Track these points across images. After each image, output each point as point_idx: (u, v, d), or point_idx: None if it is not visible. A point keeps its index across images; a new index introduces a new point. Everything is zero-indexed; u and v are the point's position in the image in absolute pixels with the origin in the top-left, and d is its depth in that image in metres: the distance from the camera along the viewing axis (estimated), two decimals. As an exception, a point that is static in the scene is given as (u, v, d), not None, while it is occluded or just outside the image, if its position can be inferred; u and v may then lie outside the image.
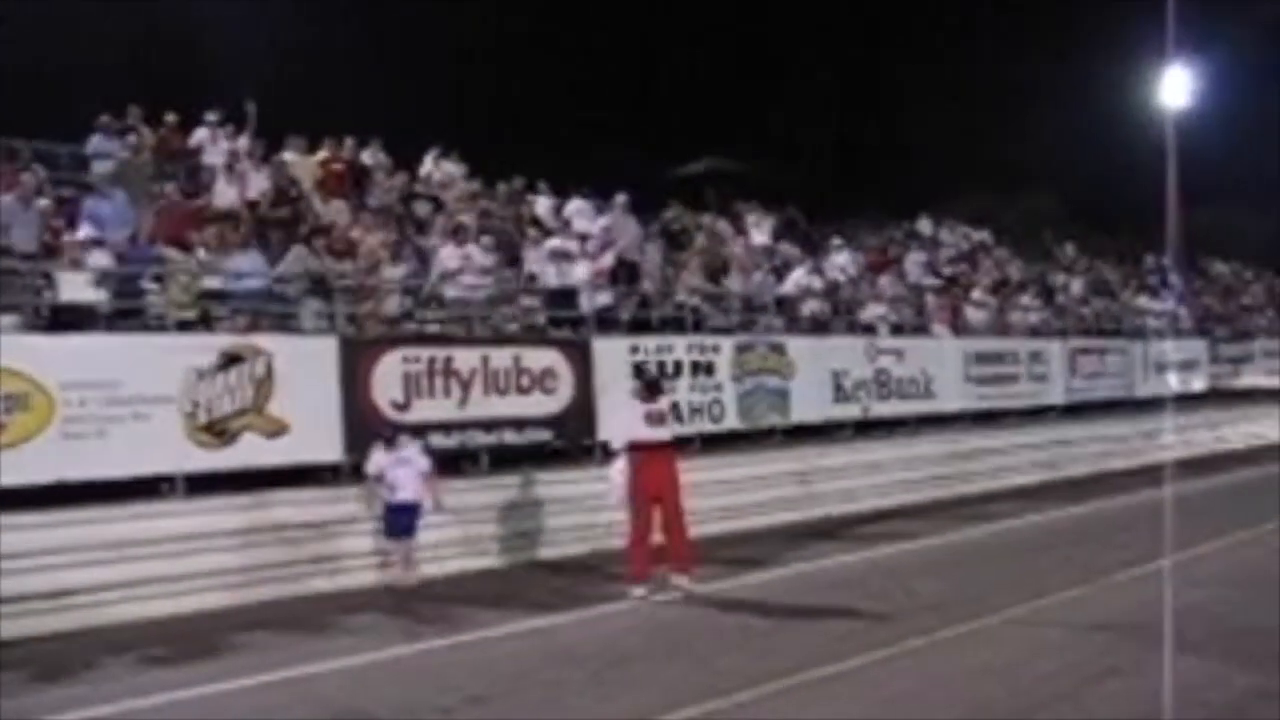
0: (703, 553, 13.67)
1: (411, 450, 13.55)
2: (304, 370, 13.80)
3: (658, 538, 12.75)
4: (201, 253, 15.05)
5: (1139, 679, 8.48)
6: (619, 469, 13.19)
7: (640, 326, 18.22)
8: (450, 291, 16.51)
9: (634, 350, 17.20)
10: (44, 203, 14.94)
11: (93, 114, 17.83)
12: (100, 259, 13.96)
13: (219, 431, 13.04)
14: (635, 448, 12.87)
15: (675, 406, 16.15)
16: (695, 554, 13.07)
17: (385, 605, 12.61)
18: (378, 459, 13.44)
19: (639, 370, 16.28)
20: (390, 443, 13.50)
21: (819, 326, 21.22)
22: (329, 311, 14.88)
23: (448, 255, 16.74)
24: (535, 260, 18.25)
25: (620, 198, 21.14)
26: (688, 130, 40.79)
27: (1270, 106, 43.05)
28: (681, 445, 14.71)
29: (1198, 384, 31.15)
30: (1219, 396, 31.44)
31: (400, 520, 13.36)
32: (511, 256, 18.25)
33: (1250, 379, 33.89)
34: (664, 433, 13.01)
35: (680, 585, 12.67)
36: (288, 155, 18.45)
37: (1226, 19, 39.08)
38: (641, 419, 12.93)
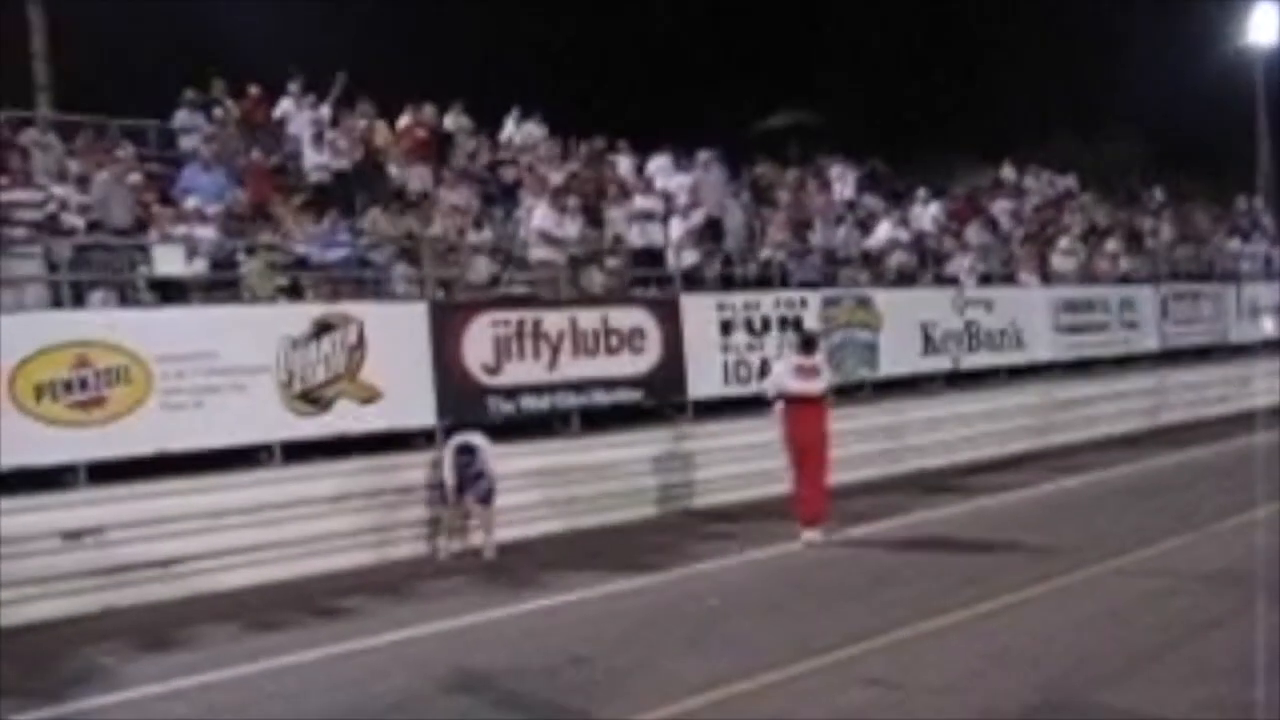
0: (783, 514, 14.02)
1: (482, 458, 13.43)
2: (395, 336, 13.87)
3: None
4: (289, 222, 15.19)
5: (1246, 629, 8.36)
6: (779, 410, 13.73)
7: (727, 283, 18.18)
8: (538, 253, 16.48)
9: (721, 307, 17.14)
10: (135, 178, 15.09)
11: (177, 89, 17.99)
12: (205, 231, 14.16)
13: (314, 399, 13.15)
14: (788, 400, 13.49)
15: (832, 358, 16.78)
16: (829, 508, 13.44)
17: (479, 569, 12.71)
18: (449, 463, 13.37)
19: (797, 327, 16.89)
20: (465, 456, 13.35)
21: (906, 279, 21.05)
22: (419, 277, 14.93)
23: (541, 216, 16.70)
24: (620, 220, 18.19)
25: (704, 154, 21.03)
26: (767, 84, 40.51)
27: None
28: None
29: (1295, 327, 30.57)
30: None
31: (474, 484, 13.32)
32: (595, 217, 18.17)
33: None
34: (816, 386, 13.52)
35: (812, 539, 13.04)
36: (367, 122, 18.53)
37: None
38: (794, 372, 13.57)
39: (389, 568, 12.96)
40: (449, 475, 13.28)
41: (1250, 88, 37.30)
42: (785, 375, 13.63)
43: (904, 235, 21.94)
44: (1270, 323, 29.02)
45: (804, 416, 13.35)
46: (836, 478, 16.01)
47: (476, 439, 13.50)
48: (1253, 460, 17.08)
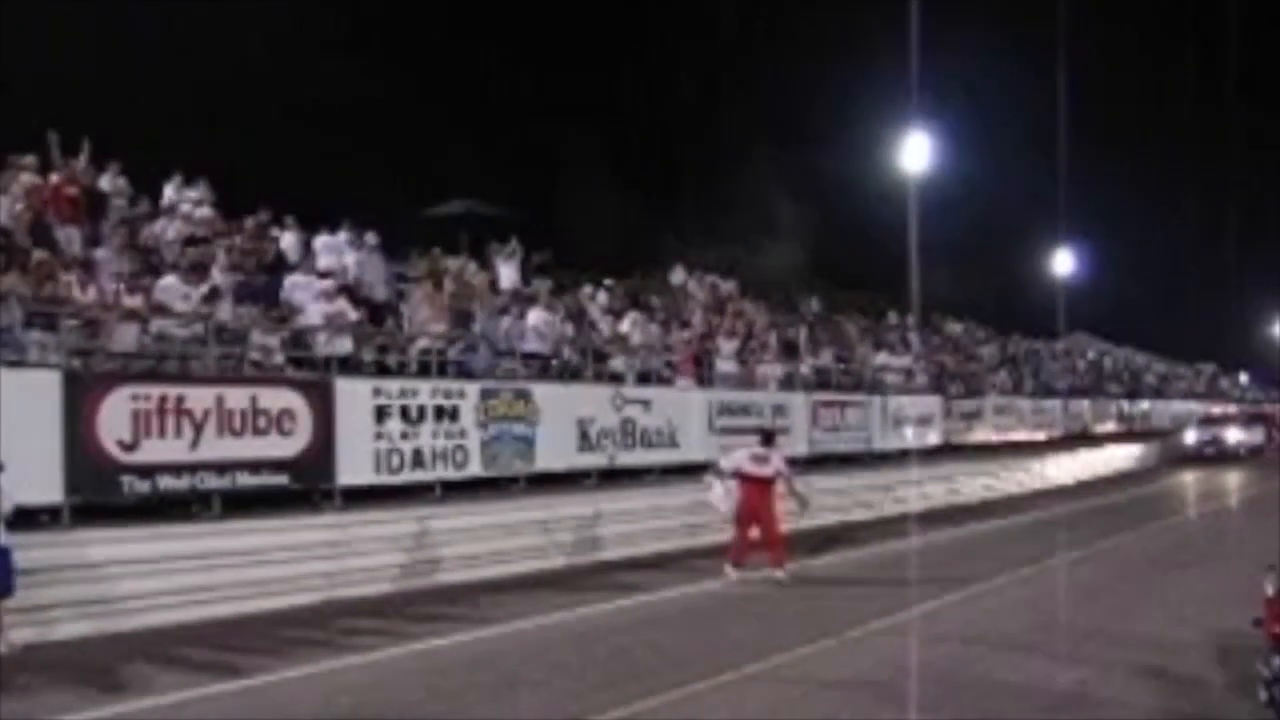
0: (431, 607, 14.80)
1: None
2: (23, 404, 12.95)
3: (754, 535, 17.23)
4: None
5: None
6: (717, 492, 17.58)
7: (383, 369, 17.86)
8: (179, 330, 15.83)
9: (377, 393, 16.77)
10: None
11: None
12: None
13: (-77, 466, 12.11)
14: (741, 478, 17.26)
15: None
16: (786, 552, 17.32)
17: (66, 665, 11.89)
18: None
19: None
20: None
21: (568, 373, 21.09)
22: (55, 344, 14.08)
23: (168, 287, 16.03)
24: (290, 295, 17.64)
25: (370, 237, 20.68)
26: (441, 171, 40.34)
27: (1001, 175, 45.01)
28: (426, 491, 17.24)
29: (933, 438, 32.13)
30: (953, 450, 32.53)
31: None
32: (255, 292, 17.52)
33: (982, 434, 35.22)
34: (766, 470, 17.23)
35: (779, 578, 16.92)
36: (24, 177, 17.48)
37: (966, 89, 40.69)
38: (749, 458, 17.30)
39: None
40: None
41: (903, 209, 39.28)
42: (743, 459, 17.30)
43: (567, 329, 21.99)
44: (911, 433, 30.41)
45: (753, 492, 17.10)
46: (488, 571, 16.55)
47: None
48: (892, 566, 17.66)
